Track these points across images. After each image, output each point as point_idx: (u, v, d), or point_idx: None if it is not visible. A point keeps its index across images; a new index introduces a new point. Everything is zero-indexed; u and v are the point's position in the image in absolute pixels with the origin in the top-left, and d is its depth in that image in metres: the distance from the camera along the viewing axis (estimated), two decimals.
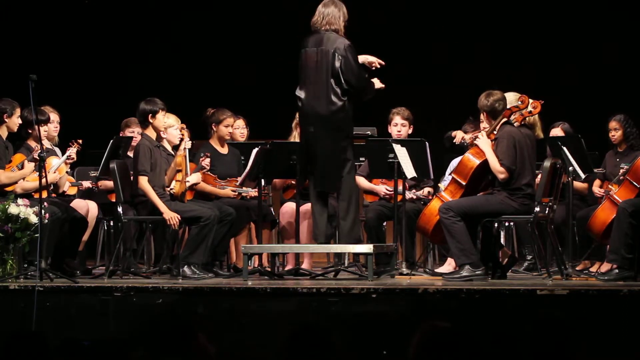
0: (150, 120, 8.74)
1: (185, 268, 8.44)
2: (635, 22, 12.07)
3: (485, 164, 8.31)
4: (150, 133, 8.77)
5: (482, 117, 8.44)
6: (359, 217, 8.69)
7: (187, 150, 8.87)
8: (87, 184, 9.57)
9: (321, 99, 8.32)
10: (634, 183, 8.54)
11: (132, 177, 8.82)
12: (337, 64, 8.29)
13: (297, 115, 9.51)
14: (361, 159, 9.27)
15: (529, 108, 8.44)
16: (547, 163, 8.39)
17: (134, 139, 9.78)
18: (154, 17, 13.05)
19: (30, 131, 8.86)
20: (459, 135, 9.24)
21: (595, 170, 9.35)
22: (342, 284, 7.62)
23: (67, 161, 9.11)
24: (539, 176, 8.45)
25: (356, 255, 9.00)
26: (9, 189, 8.61)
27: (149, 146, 8.67)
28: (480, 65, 12.25)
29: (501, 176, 8.21)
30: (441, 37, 12.60)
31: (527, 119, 8.49)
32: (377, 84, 8.53)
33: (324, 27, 8.38)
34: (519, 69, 12.07)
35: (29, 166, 8.62)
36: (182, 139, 8.88)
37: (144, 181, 8.58)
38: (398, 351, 6.56)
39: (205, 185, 9.17)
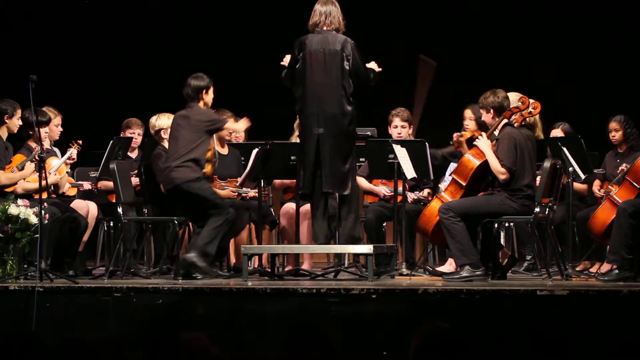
0: (203, 97, 8.67)
1: (199, 260, 8.32)
2: (636, 22, 12.07)
3: (485, 164, 8.31)
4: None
5: (485, 115, 8.41)
6: (359, 217, 8.69)
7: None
8: (87, 185, 9.56)
9: (331, 100, 8.27)
10: (634, 183, 8.54)
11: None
12: (347, 65, 8.28)
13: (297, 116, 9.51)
14: (361, 159, 9.27)
15: (529, 109, 8.44)
16: (547, 163, 8.39)
17: (134, 139, 9.78)
18: (154, 17, 13.06)
19: (30, 132, 8.86)
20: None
21: (595, 171, 9.35)
22: (342, 284, 7.62)
23: (68, 162, 9.11)
24: (539, 177, 8.45)
25: (356, 255, 8.99)
26: (9, 189, 8.62)
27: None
28: (479, 66, 12.25)
29: (502, 177, 8.21)
30: (443, 37, 12.60)
31: (527, 119, 8.48)
32: (375, 67, 8.47)
33: (327, 26, 8.35)
34: (519, 69, 12.07)
35: (29, 167, 8.62)
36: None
37: None
38: (398, 351, 6.56)
39: None
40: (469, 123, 9.14)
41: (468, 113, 9.16)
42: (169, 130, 8.78)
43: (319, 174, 8.34)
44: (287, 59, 8.51)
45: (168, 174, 8.50)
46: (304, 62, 8.33)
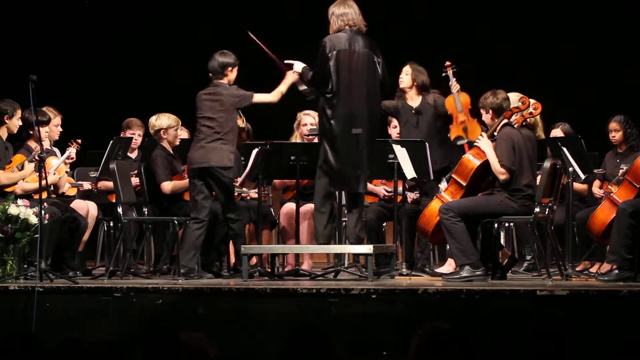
0: (228, 73, 8.66)
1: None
2: (635, 22, 12.07)
3: (485, 164, 8.31)
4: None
5: (485, 115, 8.41)
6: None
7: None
8: (87, 185, 9.56)
9: (371, 101, 8.28)
10: (634, 183, 8.53)
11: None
12: (378, 68, 8.29)
13: (298, 115, 9.51)
14: None
15: (530, 109, 8.44)
16: (547, 164, 8.39)
17: (134, 140, 9.77)
18: (154, 17, 13.06)
19: (31, 132, 8.86)
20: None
21: (595, 171, 9.35)
22: (342, 284, 7.62)
23: (67, 161, 9.11)
24: (539, 177, 8.45)
25: (356, 255, 8.99)
26: (9, 189, 8.62)
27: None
28: (479, 65, 12.25)
29: (502, 177, 8.21)
30: (443, 37, 12.60)
31: (527, 120, 8.48)
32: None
33: (360, 27, 8.34)
34: (519, 69, 12.07)
35: (29, 167, 8.62)
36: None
37: None
38: (398, 351, 6.55)
39: None
40: (404, 77, 9.18)
41: (406, 68, 9.19)
42: (203, 106, 8.55)
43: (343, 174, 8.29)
44: (297, 66, 8.48)
45: (205, 153, 8.42)
46: (337, 62, 8.23)
